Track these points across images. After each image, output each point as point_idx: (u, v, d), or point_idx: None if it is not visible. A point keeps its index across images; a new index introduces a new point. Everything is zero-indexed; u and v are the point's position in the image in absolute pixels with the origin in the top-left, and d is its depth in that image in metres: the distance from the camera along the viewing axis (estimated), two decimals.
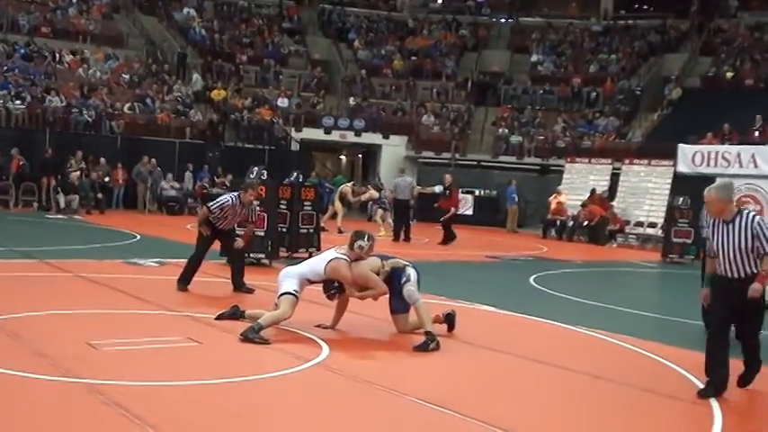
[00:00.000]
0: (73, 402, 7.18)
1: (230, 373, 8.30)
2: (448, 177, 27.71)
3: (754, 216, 8.60)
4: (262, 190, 16.65)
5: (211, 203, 13.82)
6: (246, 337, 9.71)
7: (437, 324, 10.83)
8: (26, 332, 9.59)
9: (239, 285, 13.66)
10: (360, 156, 45.01)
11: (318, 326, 10.84)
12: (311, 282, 10.62)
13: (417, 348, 9.95)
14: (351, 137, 41.29)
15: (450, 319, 11.19)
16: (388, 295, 10.82)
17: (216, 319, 10.89)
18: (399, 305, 10.78)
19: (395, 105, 43.24)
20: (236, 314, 10.87)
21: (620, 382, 8.83)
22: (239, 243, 13.88)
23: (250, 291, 13.55)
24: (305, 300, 11.04)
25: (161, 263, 16.70)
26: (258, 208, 14.82)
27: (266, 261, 17.19)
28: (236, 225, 14.20)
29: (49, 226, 24.66)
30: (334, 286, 10.56)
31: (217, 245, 14.74)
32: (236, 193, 13.86)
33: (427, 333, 10.19)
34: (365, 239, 10.63)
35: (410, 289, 10.58)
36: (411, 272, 10.75)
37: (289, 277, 10.53)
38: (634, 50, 45.88)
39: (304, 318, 10.82)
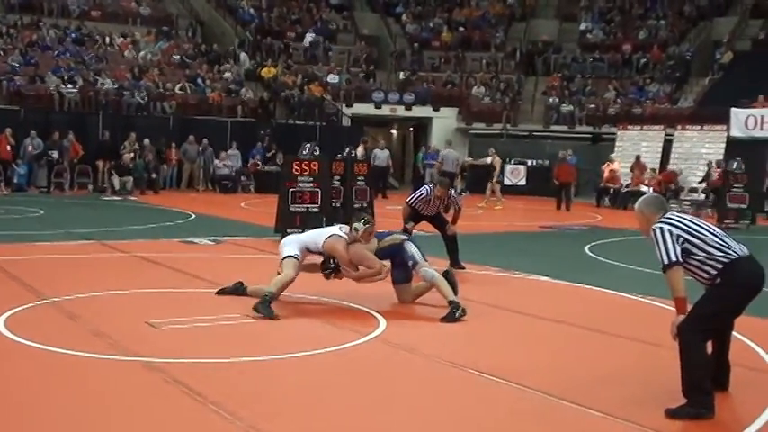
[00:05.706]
0: (134, 380, 7.26)
1: (291, 349, 8.33)
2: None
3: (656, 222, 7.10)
4: (315, 165, 16.67)
5: (410, 198, 14.45)
6: (257, 310, 9.72)
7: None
8: (85, 312, 9.71)
9: (455, 262, 13.80)
10: (411, 129, 44.92)
11: None
12: (310, 251, 10.58)
13: (445, 319, 9.87)
14: (401, 111, 41.21)
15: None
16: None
17: (217, 294, 10.95)
18: (400, 276, 10.76)
19: (444, 78, 43.07)
20: (238, 290, 10.89)
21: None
22: (451, 230, 14.13)
23: (462, 267, 13.76)
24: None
25: (217, 241, 16.82)
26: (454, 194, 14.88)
27: None
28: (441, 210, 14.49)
29: (105, 207, 24.90)
30: (330, 265, 10.45)
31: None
32: (432, 185, 14.59)
33: (450, 302, 10.11)
34: (362, 222, 10.50)
35: (425, 270, 10.50)
36: (413, 250, 10.65)
37: (290, 243, 10.66)
38: (683, 15, 45.27)
39: (356, 291, 10.91)
